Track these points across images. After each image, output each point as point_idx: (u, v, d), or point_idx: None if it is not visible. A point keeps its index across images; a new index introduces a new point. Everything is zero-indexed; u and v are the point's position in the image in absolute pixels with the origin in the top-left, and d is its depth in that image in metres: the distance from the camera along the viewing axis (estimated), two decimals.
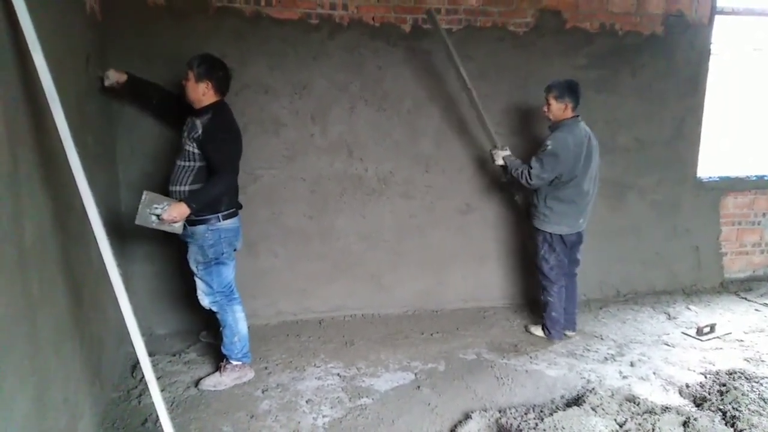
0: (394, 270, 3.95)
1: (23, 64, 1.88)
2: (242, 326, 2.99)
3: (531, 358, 3.38)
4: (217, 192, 2.76)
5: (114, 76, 2.95)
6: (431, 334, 3.69)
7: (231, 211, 2.88)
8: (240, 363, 3.00)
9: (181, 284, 3.53)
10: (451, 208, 4.02)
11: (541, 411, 2.70)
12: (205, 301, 2.95)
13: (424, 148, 3.85)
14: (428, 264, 4.02)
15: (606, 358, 3.36)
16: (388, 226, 3.92)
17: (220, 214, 2.81)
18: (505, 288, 4.24)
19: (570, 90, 3.26)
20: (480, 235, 4.10)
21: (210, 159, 2.76)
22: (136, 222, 2.67)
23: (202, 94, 2.78)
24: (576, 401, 2.76)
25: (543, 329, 3.66)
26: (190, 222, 2.79)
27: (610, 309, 4.15)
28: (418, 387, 3.00)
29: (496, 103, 3.89)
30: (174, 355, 3.30)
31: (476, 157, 3.96)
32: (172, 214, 2.65)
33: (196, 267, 2.89)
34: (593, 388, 2.87)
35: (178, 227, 2.75)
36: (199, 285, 2.93)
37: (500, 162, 3.52)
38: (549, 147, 3.23)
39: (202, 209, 2.75)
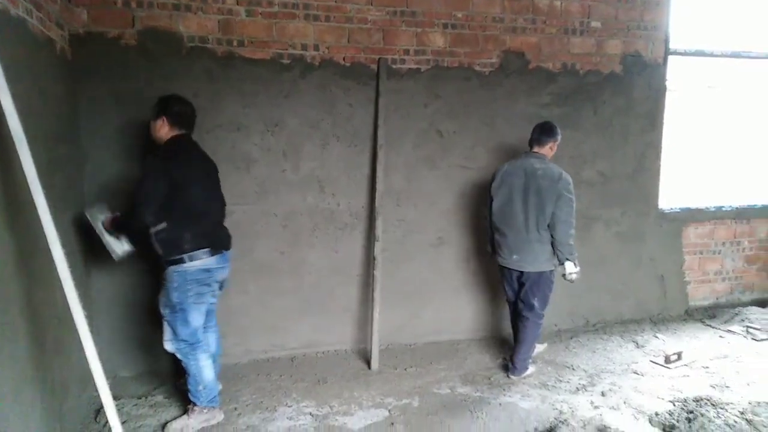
0: (367, 304, 3.95)
1: None
2: (207, 374, 2.89)
3: (504, 390, 3.39)
4: (126, 221, 2.77)
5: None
6: (405, 369, 3.68)
7: (199, 251, 2.75)
8: (209, 406, 2.93)
9: (146, 325, 3.46)
10: (423, 242, 4.06)
11: None
12: (168, 345, 2.88)
13: (395, 182, 3.92)
14: (401, 298, 4.04)
15: (578, 389, 3.39)
16: (360, 260, 3.94)
17: (185, 255, 2.72)
18: (478, 320, 4.27)
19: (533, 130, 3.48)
20: (452, 268, 4.15)
21: None
22: (85, 211, 2.84)
23: (158, 130, 2.80)
24: None
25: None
26: (166, 263, 2.78)
27: (581, 339, 4.21)
28: (392, 424, 2.98)
29: (464, 139, 4.00)
30: (140, 398, 3.21)
31: (447, 191, 4.04)
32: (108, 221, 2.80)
33: (163, 310, 2.83)
34: (565, 420, 2.90)
35: (117, 249, 2.82)
36: (165, 328, 2.87)
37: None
38: None
39: (168, 251, 2.73)
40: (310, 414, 3.08)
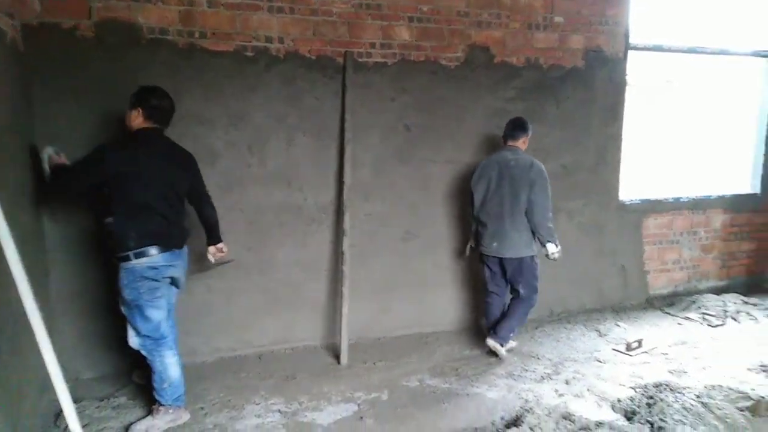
0: (335, 299, 3.93)
1: None
2: (173, 371, 2.84)
3: (472, 381, 3.43)
4: (58, 175, 2.73)
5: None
6: (374, 363, 3.69)
7: (146, 248, 2.68)
8: (174, 406, 2.88)
9: (109, 324, 3.36)
10: (392, 236, 4.07)
11: None
12: (132, 341, 2.83)
13: (362, 177, 3.91)
14: (370, 292, 4.04)
15: (542, 377, 3.47)
16: (328, 255, 3.92)
17: (131, 252, 2.66)
18: (446, 313, 4.31)
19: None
20: (420, 262, 4.17)
21: None
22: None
23: (132, 120, 2.77)
24: (515, 422, 2.83)
25: None
26: (115, 258, 2.73)
27: (545, 328, 4.30)
28: (361, 418, 2.98)
29: (431, 133, 4.02)
30: (102, 400, 3.12)
31: (415, 185, 4.05)
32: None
33: (122, 307, 2.79)
34: (531, 408, 2.96)
35: (47, 171, 2.79)
36: (128, 325, 2.82)
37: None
38: None
39: (115, 246, 2.70)
40: (279, 411, 3.06)
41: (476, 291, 4.36)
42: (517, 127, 3.64)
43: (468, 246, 3.86)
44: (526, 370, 3.57)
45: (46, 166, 2.77)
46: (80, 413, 2.87)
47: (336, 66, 3.72)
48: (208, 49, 3.42)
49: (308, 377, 3.47)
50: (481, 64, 4.08)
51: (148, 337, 2.78)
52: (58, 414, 2.84)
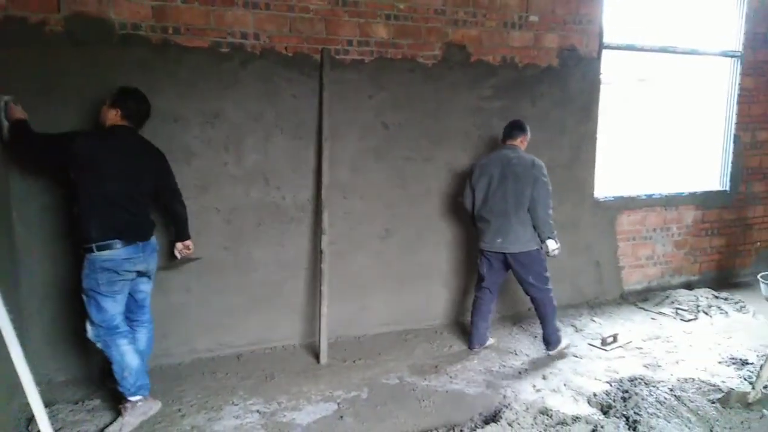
0: (315, 298, 3.91)
1: None
2: (130, 359, 2.84)
3: (451, 377, 3.45)
4: (19, 128, 2.77)
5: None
6: (354, 361, 3.68)
7: (109, 242, 2.73)
8: (140, 398, 2.85)
9: (83, 325, 3.28)
10: (370, 234, 4.06)
11: (461, 431, 2.76)
12: (89, 333, 2.84)
13: (341, 175, 3.89)
14: (349, 290, 4.03)
15: (520, 373, 3.51)
16: (307, 254, 3.89)
17: (93, 245, 2.71)
18: (426, 310, 4.32)
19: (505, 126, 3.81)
20: (399, 259, 4.18)
21: None
22: None
23: (109, 119, 2.85)
24: (494, 418, 2.86)
25: None
26: (80, 249, 2.80)
27: (523, 324, 4.34)
28: (341, 417, 2.98)
29: (409, 131, 4.03)
30: (76, 403, 3.05)
31: (393, 183, 4.05)
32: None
33: (82, 294, 2.81)
34: (509, 404, 2.98)
35: (6, 125, 2.82)
36: (87, 319, 2.84)
37: None
38: None
39: (79, 238, 2.78)
40: (258, 411, 3.03)
41: (456, 288, 4.39)
42: (515, 127, 3.73)
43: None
44: (505, 366, 3.61)
45: (4, 117, 2.78)
46: (53, 417, 2.83)
47: (313, 63, 3.69)
48: (182, 45, 3.37)
49: (287, 377, 3.45)
50: (458, 63, 4.10)
51: (100, 326, 2.79)
52: (30, 418, 2.77)
